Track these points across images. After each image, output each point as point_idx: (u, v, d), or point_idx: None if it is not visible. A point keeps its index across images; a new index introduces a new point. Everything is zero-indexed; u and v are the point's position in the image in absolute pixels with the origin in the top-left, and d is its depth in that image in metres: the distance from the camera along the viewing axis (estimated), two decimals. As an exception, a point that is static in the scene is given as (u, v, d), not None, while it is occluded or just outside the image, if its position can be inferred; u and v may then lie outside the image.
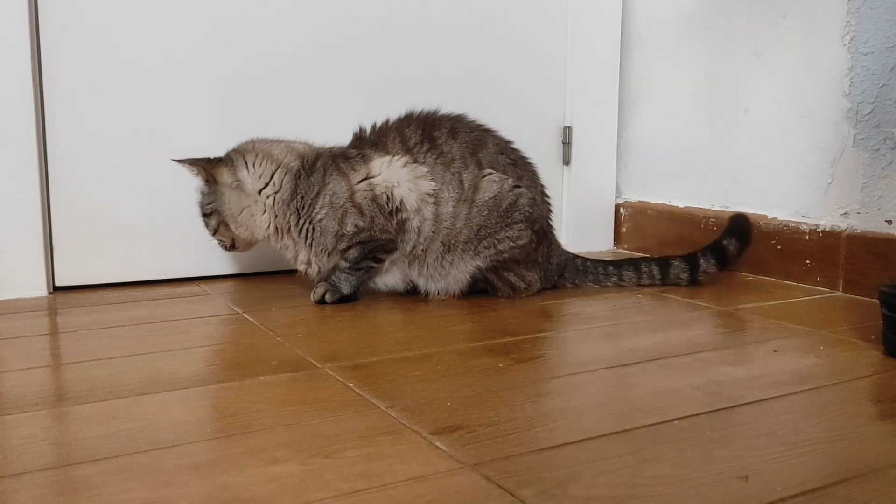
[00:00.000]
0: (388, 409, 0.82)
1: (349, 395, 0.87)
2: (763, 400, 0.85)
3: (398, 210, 1.29)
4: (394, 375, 0.93)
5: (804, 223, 1.47)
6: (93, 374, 0.94)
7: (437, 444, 0.73)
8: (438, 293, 1.35)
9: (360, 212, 1.29)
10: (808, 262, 1.45)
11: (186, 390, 0.89)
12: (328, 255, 1.31)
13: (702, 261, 1.42)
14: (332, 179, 1.30)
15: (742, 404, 0.84)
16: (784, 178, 1.52)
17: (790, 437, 0.75)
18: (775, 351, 1.04)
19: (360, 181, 1.30)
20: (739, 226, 1.45)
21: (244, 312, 1.26)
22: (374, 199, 1.29)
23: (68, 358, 1.03)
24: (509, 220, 1.32)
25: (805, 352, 1.04)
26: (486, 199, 1.31)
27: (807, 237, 1.45)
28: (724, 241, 1.43)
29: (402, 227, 1.30)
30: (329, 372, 0.95)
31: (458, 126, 1.35)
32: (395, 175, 1.29)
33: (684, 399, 0.85)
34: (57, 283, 1.42)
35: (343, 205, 1.29)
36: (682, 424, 0.78)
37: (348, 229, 1.29)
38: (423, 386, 0.89)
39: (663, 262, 1.43)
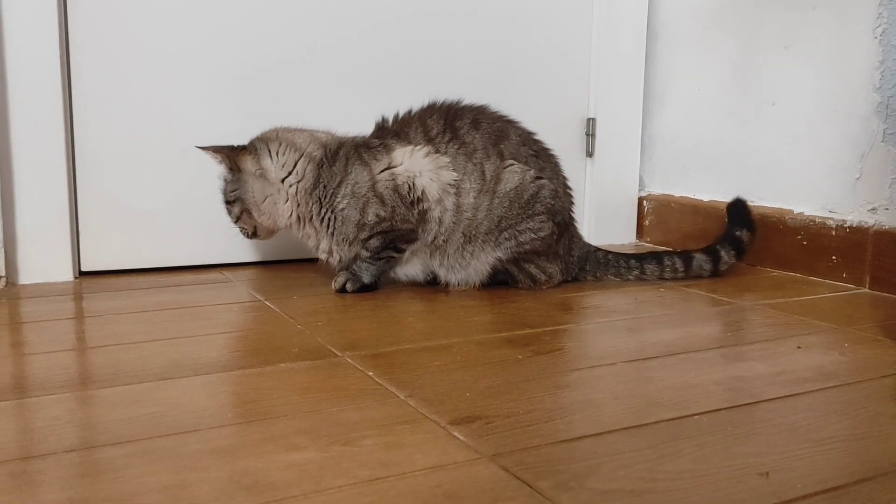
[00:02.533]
0: (408, 399, 0.82)
1: (369, 383, 0.87)
2: (785, 396, 0.84)
3: (420, 200, 1.29)
4: (413, 365, 0.93)
5: (831, 218, 1.45)
6: (117, 358, 0.95)
7: (456, 434, 0.73)
8: (458, 284, 1.35)
9: (382, 201, 1.29)
10: (834, 257, 1.43)
11: (209, 376, 0.90)
12: (349, 245, 1.32)
13: (723, 252, 1.43)
14: (354, 169, 1.30)
15: (764, 400, 0.83)
16: (811, 172, 1.50)
17: (812, 435, 0.74)
18: (799, 347, 1.03)
19: (382, 171, 1.30)
20: (741, 215, 1.47)
21: (266, 300, 1.27)
22: (395, 188, 1.29)
23: (93, 342, 1.04)
24: (531, 212, 1.31)
25: (829, 349, 1.02)
26: (508, 190, 1.31)
27: (833, 233, 1.43)
28: (737, 233, 1.44)
29: (423, 217, 1.30)
30: (349, 360, 0.95)
31: (480, 116, 1.35)
32: (416, 165, 1.29)
33: (705, 394, 0.84)
34: (83, 269, 1.44)
35: (365, 194, 1.29)
36: (703, 420, 0.77)
37: (370, 219, 1.29)
38: (442, 376, 0.89)
39: (686, 256, 1.43)
